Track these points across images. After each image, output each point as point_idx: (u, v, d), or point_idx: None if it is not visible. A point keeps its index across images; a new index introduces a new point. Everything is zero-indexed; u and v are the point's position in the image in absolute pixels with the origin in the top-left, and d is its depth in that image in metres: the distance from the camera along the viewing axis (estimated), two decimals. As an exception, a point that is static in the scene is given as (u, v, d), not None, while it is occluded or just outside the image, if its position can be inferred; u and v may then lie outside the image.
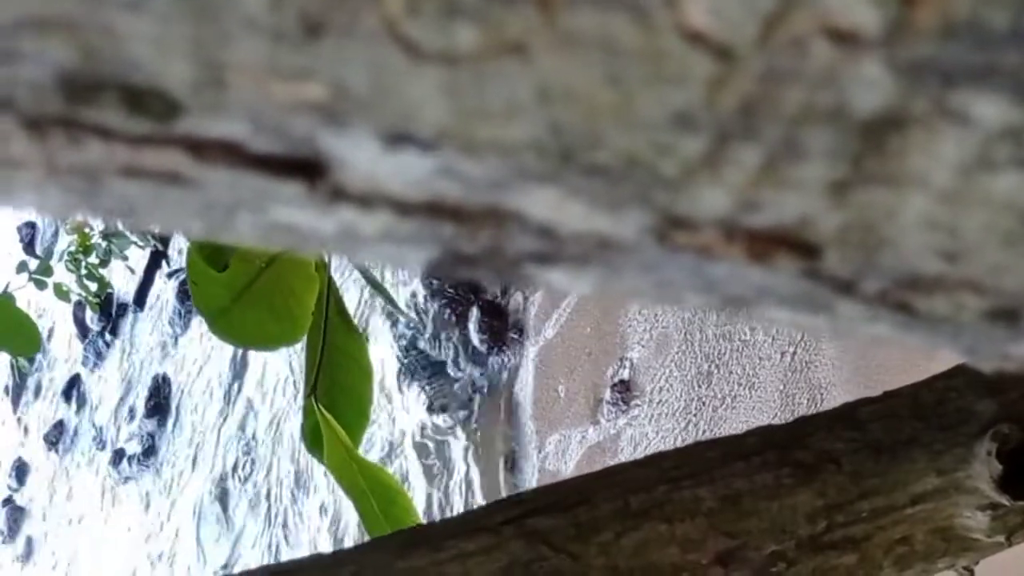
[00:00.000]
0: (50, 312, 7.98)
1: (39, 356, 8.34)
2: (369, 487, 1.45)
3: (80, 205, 0.31)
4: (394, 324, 5.70)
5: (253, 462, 6.53)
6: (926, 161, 0.26)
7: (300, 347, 1.56)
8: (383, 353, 5.64)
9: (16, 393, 8.69)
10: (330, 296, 1.47)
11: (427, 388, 5.56)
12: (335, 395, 1.55)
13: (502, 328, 5.33)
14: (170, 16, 0.24)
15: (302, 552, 5.49)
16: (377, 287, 1.62)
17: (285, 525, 6.23)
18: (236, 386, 6.77)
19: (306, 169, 0.28)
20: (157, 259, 7.20)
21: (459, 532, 0.98)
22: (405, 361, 5.67)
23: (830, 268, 0.30)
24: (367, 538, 1.24)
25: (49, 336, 8.30)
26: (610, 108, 0.26)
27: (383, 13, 0.24)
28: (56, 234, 7.64)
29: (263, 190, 0.29)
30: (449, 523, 1.02)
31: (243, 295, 1.47)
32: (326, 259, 1.47)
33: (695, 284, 0.32)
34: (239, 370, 6.76)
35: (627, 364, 4.77)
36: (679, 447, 1.03)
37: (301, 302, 1.50)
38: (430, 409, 5.50)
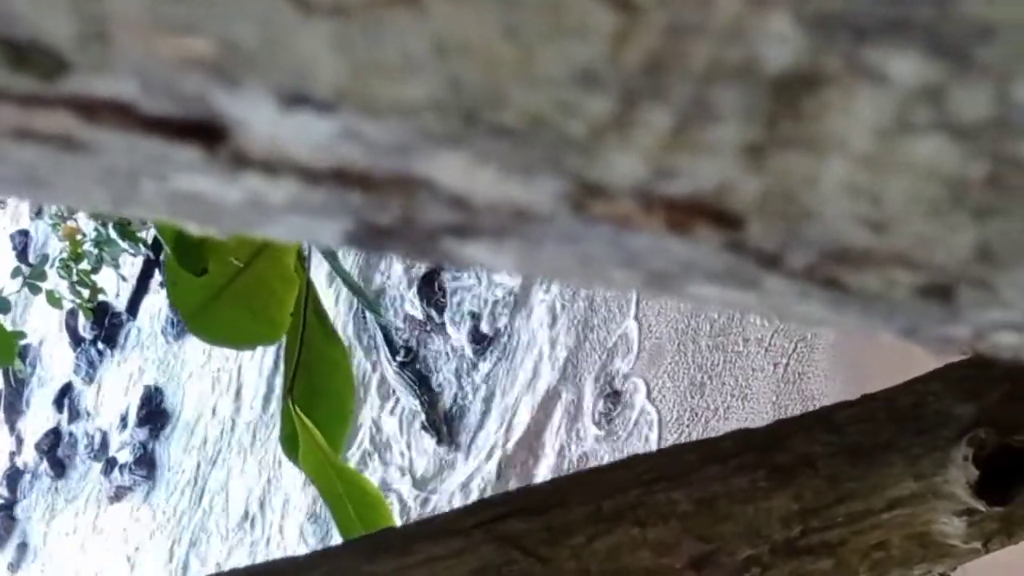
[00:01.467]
0: (44, 321, 7.97)
1: (34, 364, 8.32)
2: (346, 491, 1.43)
3: (-21, 173, 0.30)
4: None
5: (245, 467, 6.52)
6: (843, 122, 0.25)
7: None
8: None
9: (9, 401, 8.67)
10: (308, 298, 1.45)
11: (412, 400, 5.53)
12: (315, 400, 1.53)
13: (490, 337, 5.32)
14: (43, -37, 0.23)
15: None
16: (353, 288, 1.60)
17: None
18: (232, 397, 6.76)
19: (205, 133, 0.27)
20: (150, 268, 7.19)
21: (429, 536, 0.97)
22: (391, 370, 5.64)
23: (753, 240, 0.28)
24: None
25: (41, 344, 8.28)
26: (510, 63, 0.24)
27: (267, -39, 0.23)
28: (47, 242, 7.62)
29: (161, 155, 0.28)
30: (419, 526, 1.01)
31: (222, 294, 1.46)
32: (304, 261, 1.46)
33: (617, 258, 0.30)
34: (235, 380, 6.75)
35: (619, 374, 4.76)
36: (653, 450, 1.02)
37: (280, 303, 1.49)
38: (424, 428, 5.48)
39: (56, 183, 0.31)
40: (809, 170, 0.26)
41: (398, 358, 5.61)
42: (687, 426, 4.48)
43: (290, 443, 1.52)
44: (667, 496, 0.97)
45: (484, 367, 5.32)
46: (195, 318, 1.49)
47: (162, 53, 0.25)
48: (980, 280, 0.29)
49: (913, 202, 0.26)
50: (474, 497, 4.99)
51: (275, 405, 6.26)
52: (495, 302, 5.34)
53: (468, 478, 5.26)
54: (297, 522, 6.07)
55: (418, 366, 5.58)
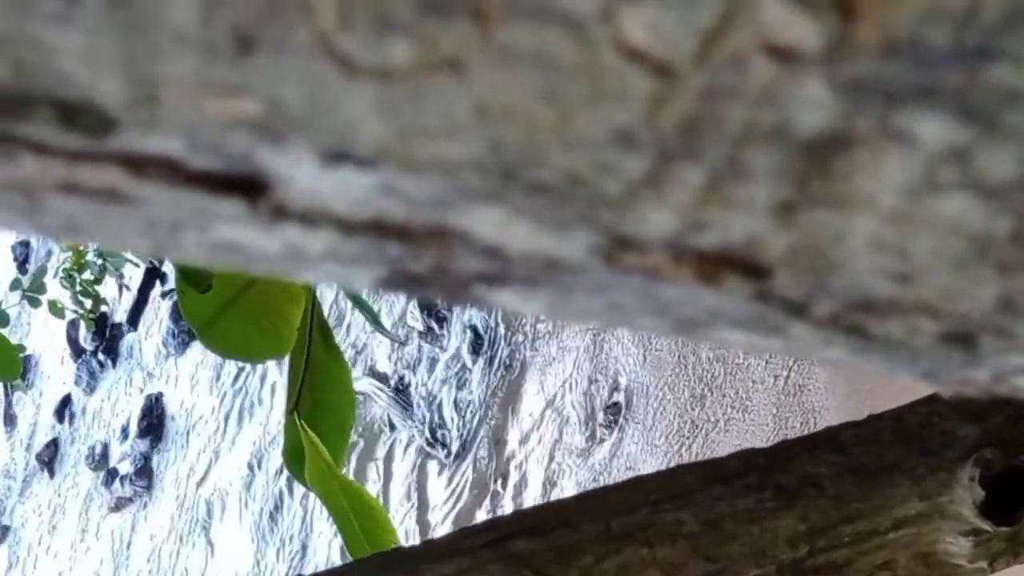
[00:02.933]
0: (43, 332, 7.98)
1: (33, 376, 8.32)
2: (349, 505, 1.44)
3: (22, 222, 0.31)
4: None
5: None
6: (872, 182, 0.26)
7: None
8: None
9: (8, 412, 8.67)
10: (313, 315, 1.46)
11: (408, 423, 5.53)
12: (317, 415, 1.54)
13: (492, 351, 5.32)
14: (98, 30, 0.24)
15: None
16: (362, 306, 1.62)
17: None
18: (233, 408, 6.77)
19: (247, 187, 0.28)
20: (152, 278, 7.19)
21: (437, 555, 0.97)
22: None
23: (780, 290, 0.29)
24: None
25: (40, 355, 8.28)
26: (549, 126, 0.25)
27: (316, 27, 0.24)
28: (49, 254, 7.63)
29: (204, 208, 0.29)
30: (427, 546, 1.02)
31: (230, 308, 1.46)
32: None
33: (647, 307, 0.31)
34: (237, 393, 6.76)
35: (620, 386, 4.76)
36: (661, 470, 1.03)
37: (286, 318, 1.50)
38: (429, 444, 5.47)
39: (97, 232, 0.31)
40: (837, 226, 0.27)
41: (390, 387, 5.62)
42: (687, 438, 4.48)
43: (294, 457, 1.53)
44: (674, 516, 0.98)
45: (484, 378, 5.33)
46: (205, 330, 1.50)
47: (210, 114, 0.26)
48: (1002, 329, 0.29)
49: (938, 257, 0.27)
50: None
51: (276, 418, 6.27)
52: (495, 315, 5.34)
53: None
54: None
55: (413, 386, 5.58)
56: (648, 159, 0.26)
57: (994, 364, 0.32)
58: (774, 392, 4.27)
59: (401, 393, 5.59)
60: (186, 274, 1.40)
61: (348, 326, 5.82)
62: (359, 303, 1.69)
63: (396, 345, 5.71)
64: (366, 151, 0.26)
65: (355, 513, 1.47)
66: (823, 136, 0.25)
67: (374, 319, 1.67)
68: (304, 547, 5.97)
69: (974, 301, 0.28)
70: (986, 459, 0.94)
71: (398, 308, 5.65)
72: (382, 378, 5.68)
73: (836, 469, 0.98)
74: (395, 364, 5.74)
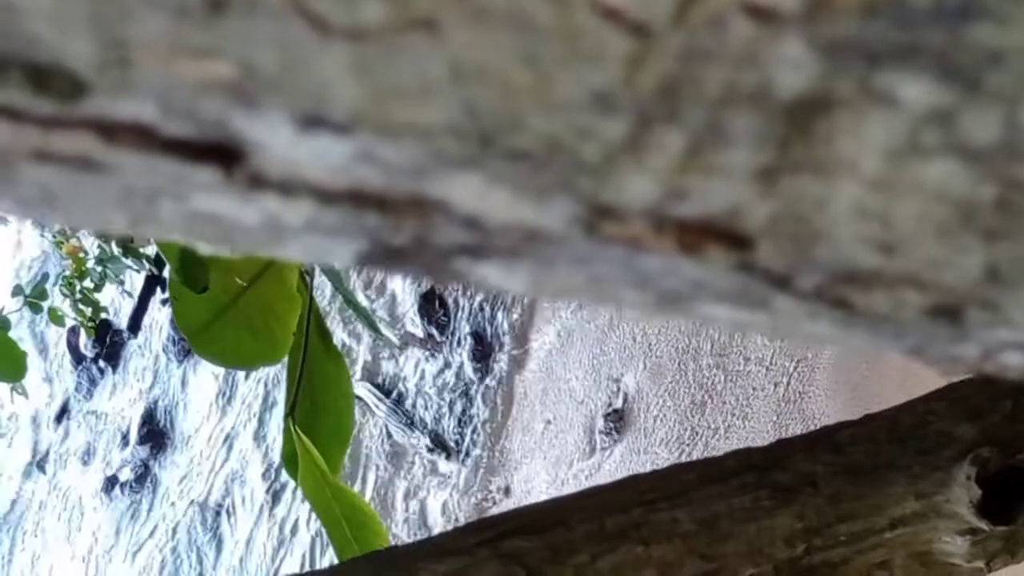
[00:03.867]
0: (43, 338, 7.97)
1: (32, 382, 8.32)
2: (341, 512, 1.43)
3: (-2, 194, 0.31)
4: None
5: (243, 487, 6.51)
6: (854, 146, 0.25)
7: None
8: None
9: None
10: (311, 317, 1.46)
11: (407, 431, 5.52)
12: (315, 418, 1.53)
13: (492, 356, 5.31)
14: (67, -12, 0.24)
15: None
16: (357, 308, 1.61)
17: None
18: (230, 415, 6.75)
19: (223, 154, 0.28)
20: (152, 285, 7.18)
21: (432, 554, 0.97)
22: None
23: (764, 261, 0.29)
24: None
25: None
26: (527, 88, 0.25)
27: (288, -14, 0.24)
28: (50, 261, 7.63)
29: (180, 176, 0.28)
30: (423, 545, 1.01)
31: (224, 313, 1.46)
32: (307, 280, 1.47)
33: (629, 279, 0.31)
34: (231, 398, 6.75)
35: (620, 393, 4.75)
36: (656, 469, 1.02)
37: (282, 322, 1.49)
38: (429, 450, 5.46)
39: (73, 203, 0.31)
40: (820, 193, 0.26)
41: (389, 398, 5.61)
42: (687, 445, 4.48)
43: (291, 461, 1.52)
44: (670, 515, 0.97)
45: (485, 385, 5.32)
46: (197, 337, 1.49)
47: (183, 76, 0.25)
48: (988, 301, 0.29)
49: (923, 224, 0.27)
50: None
51: (276, 422, 6.26)
52: (496, 320, 5.33)
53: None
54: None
55: (419, 395, 5.57)
56: (627, 123, 0.25)
57: (982, 339, 0.31)
58: (774, 399, 4.27)
59: (400, 402, 5.58)
60: (184, 273, 1.40)
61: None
62: (355, 306, 1.68)
63: (394, 350, 5.71)
64: (341, 115, 0.26)
65: (347, 520, 1.47)
66: (804, 98, 0.25)
67: (370, 323, 1.66)
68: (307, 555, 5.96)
69: (959, 272, 0.28)
70: (983, 458, 0.94)
71: (400, 310, 5.64)
72: (379, 385, 5.68)
73: (832, 468, 0.98)
74: (394, 370, 5.73)
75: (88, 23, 0.24)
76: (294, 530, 6.09)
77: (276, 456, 6.19)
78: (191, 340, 1.53)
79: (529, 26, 0.24)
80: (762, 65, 0.24)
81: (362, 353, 5.81)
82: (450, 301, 5.46)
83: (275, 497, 6.27)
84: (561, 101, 0.25)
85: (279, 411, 6.25)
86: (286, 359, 1.52)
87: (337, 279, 1.77)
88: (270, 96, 0.26)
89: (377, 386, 5.66)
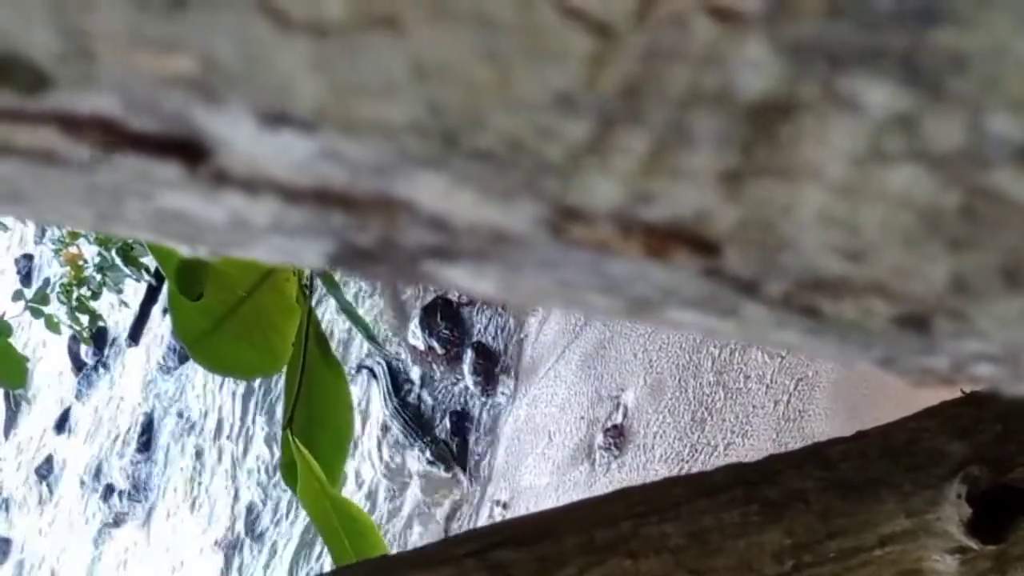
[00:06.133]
0: (44, 344, 7.98)
1: (33, 388, 8.33)
2: (341, 523, 1.43)
3: (-37, 188, 0.30)
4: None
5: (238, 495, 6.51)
6: (818, 151, 0.25)
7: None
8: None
9: (8, 425, 8.67)
10: (310, 328, 1.45)
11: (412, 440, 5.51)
12: (314, 430, 1.53)
13: (494, 370, 5.31)
14: (26, -23, 0.24)
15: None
16: (355, 319, 1.61)
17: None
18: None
19: (188, 151, 0.28)
20: (153, 294, 7.19)
21: (420, 564, 0.97)
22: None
23: (731, 267, 0.29)
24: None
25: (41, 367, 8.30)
26: (489, 86, 0.25)
27: (248, -20, 0.23)
28: (51, 267, 7.64)
29: (144, 172, 0.28)
30: (412, 554, 1.01)
31: (223, 323, 1.46)
32: (306, 290, 1.47)
33: (598, 284, 0.31)
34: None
35: (620, 409, 4.75)
36: (647, 483, 1.02)
37: (281, 333, 1.49)
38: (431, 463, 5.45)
39: (39, 199, 0.31)
40: (785, 198, 0.26)
41: (398, 397, 5.60)
42: (687, 462, 4.47)
43: (289, 471, 1.51)
44: (659, 529, 0.97)
45: (487, 398, 5.32)
46: (196, 346, 1.49)
47: (144, 70, 0.25)
48: (955, 311, 0.29)
49: (888, 232, 0.27)
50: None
51: (273, 431, 6.26)
52: (499, 333, 5.33)
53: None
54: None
55: (420, 402, 5.56)
56: (590, 124, 0.25)
57: (951, 350, 0.31)
58: (774, 417, 4.26)
59: (402, 412, 5.58)
60: (180, 280, 1.40)
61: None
62: (354, 317, 1.68)
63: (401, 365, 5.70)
64: (304, 112, 0.26)
65: (345, 531, 1.46)
66: (767, 100, 0.24)
67: (368, 334, 1.66)
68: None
69: (926, 281, 0.28)
70: (973, 476, 0.93)
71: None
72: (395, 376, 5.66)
73: (823, 484, 0.98)
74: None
75: (49, 12, 0.24)
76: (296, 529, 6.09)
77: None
78: (190, 350, 1.52)
79: (491, 24, 0.24)
80: (725, 66, 0.24)
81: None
82: (452, 313, 5.47)
83: (281, 499, 6.27)
84: (524, 100, 0.25)
85: (279, 416, 6.24)
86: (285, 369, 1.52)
87: (336, 290, 1.77)
88: (232, 91, 0.25)
89: (393, 376, 5.64)
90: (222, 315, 1.48)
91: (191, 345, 1.53)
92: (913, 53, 0.23)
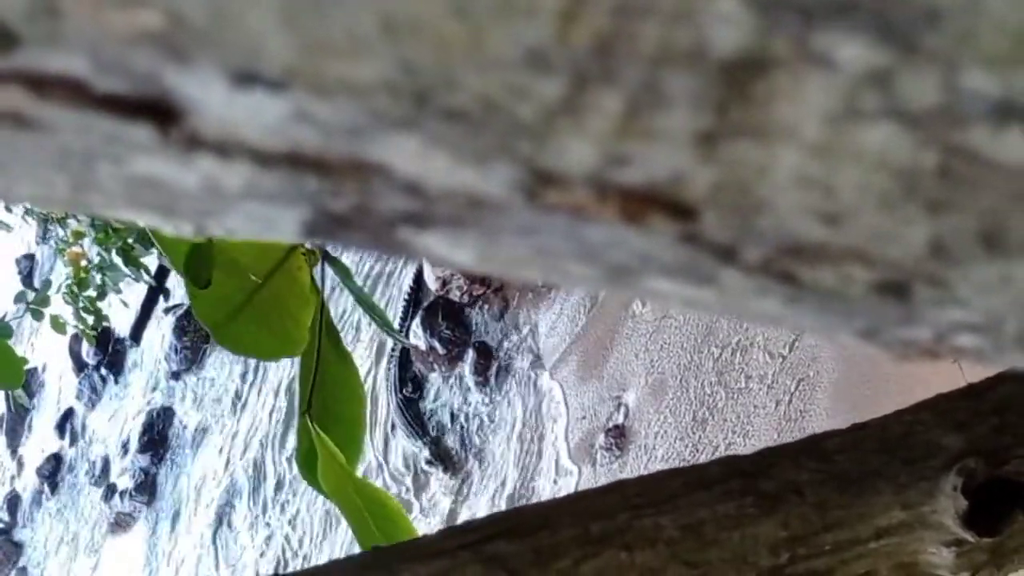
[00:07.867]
0: (45, 346, 7.98)
1: (36, 389, 8.33)
2: (366, 507, 1.42)
3: (-65, 153, 0.30)
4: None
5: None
6: (793, 110, 0.25)
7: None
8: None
9: (11, 426, 8.68)
10: (322, 320, 1.46)
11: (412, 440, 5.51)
12: (328, 423, 1.52)
13: (494, 370, 5.30)
14: (-10, -70, 0.23)
15: None
16: (370, 307, 1.60)
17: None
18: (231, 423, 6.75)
19: (158, 112, 0.27)
20: (154, 295, 7.19)
21: (415, 556, 0.96)
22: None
23: (708, 232, 0.28)
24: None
25: (44, 369, 8.30)
26: (460, 43, 0.24)
27: (214, -67, 0.23)
28: (52, 268, 7.64)
29: (115, 135, 0.28)
30: (406, 546, 1.01)
31: (242, 310, 1.47)
32: (318, 281, 1.47)
33: (575, 251, 0.30)
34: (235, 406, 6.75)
35: (622, 409, 4.75)
36: (643, 475, 1.02)
37: (296, 320, 1.49)
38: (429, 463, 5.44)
39: (11, 166, 0.31)
40: (760, 159, 0.26)
41: (405, 391, 5.60)
42: (688, 462, 4.47)
43: (307, 460, 1.50)
44: (654, 521, 0.97)
45: (487, 398, 5.31)
46: (220, 330, 1.50)
47: (112, 27, 0.25)
48: (935, 277, 0.29)
49: (865, 193, 0.26)
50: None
51: (277, 433, 6.25)
52: (500, 333, 5.33)
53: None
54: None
55: (422, 401, 5.56)
56: (563, 82, 0.25)
57: (933, 320, 0.31)
58: (776, 417, 4.26)
59: (404, 409, 5.58)
60: (187, 269, 1.40)
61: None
62: (368, 306, 1.67)
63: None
64: (274, 72, 0.25)
65: (372, 515, 1.45)
66: (740, 57, 0.24)
67: (384, 322, 1.66)
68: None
69: (904, 245, 0.28)
70: (969, 468, 0.93)
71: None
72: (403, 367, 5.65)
73: (818, 476, 0.97)
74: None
75: (13, -31, 0.24)
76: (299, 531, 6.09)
77: (279, 459, 6.18)
78: (214, 333, 1.54)
79: (459, -22, 0.23)
80: (697, 21, 0.24)
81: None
82: (453, 313, 5.46)
83: (282, 500, 6.27)
84: (495, 58, 0.25)
85: (280, 418, 6.24)
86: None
87: (348, 277, 1.76)
88: (201, 49, 0.25)
89: (402, 367, 5.64)
90: (240, 302, 1.49)
91: (215, 329, 1.54)
92: (886, 8, 0.23)
